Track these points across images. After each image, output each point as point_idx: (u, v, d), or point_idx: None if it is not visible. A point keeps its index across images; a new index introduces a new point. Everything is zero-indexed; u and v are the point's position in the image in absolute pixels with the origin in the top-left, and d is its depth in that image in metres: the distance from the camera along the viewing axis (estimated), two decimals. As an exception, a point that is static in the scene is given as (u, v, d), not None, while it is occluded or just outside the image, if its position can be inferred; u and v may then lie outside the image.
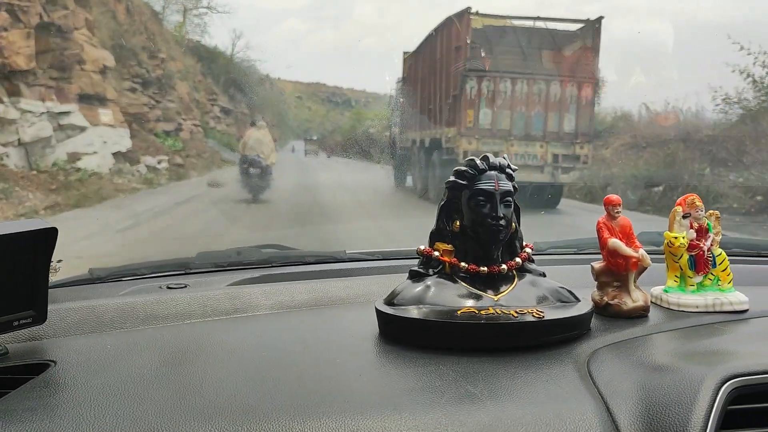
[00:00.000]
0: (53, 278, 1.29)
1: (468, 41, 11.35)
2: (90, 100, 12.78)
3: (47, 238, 0.95)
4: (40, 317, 0.99)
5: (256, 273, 1.44)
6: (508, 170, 1.02)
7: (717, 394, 0.76)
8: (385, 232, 6.75)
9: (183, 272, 1.47)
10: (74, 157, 11.69)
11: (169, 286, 1.30)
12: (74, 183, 10.85)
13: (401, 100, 15.60)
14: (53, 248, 0.96)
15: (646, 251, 1.11)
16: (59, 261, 1.03)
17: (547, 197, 10.81)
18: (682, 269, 1.15)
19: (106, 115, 12.91)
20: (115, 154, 12.82)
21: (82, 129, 12.18)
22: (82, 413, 0.75)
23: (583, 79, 11.56)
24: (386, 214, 10.01)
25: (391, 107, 17.09)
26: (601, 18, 11.49)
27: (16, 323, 0.96)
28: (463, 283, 1.00)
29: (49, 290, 1.00)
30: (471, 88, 11.29)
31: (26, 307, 0.97)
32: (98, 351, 0.97)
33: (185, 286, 1.30)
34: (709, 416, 0.73)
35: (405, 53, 15.51)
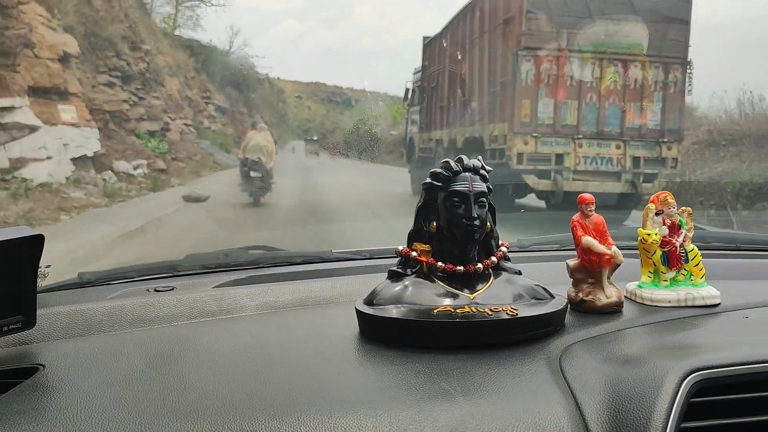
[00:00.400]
0: (42, 283, 1.31)
1: (524, 10, 8.66)
2: (47, 93, 10.72)
3: (34, 245, 0.98)
4: (29, 322, 1.01)
5: (243, 274, 1.47)
6: (482, 171, 1.05)
7: (680, 387, 0.79)
8: (391, 230, 6.56)
9: (171, 275, 1.49)
10: (18, 163, 9.55)
11: (157, 288, 1.33)
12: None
13: (424, 93, 12.77)
14: (40, 254, 0.99)
15: (627, 246, 1.14)
16: (48, 266, 1.06)
17: (618, 204, 8.64)
18: (655, 265, 1.18)
19: (67, 111, 10.92)
20: (79, 159, 10.79)
21: (33, 129, 10.06)
22: (69, 416, 0.78)
23: (671, 59, 8.93)
24: (389, 215, 9.08)
25: (407, 103, 14.33)
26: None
27: (5, 328, 0.98)
28: (441, 283, 1.03)
29: (39, 295, 1.02)
30: (527, 71, 8.73)
31: (15, 313, 0.99)
32: (86, 354, 1.00)
33: (172, 289, 1.32)
34: (672, 409, 0.76)
35: (425, 38, 12.90)
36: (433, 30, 12.52)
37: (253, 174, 11.15)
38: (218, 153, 18.45)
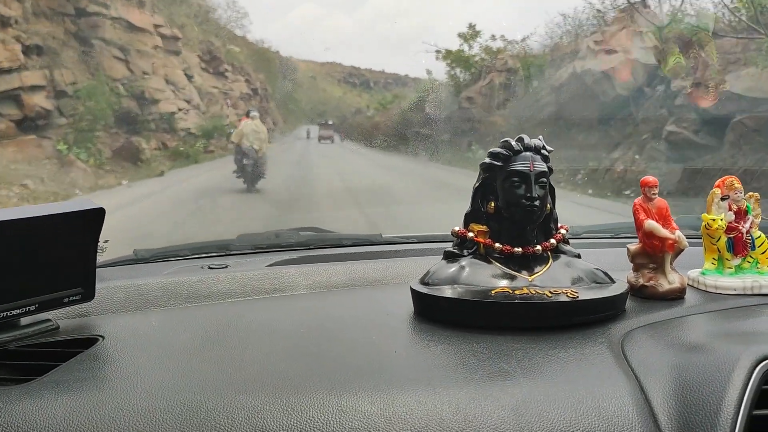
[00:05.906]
0: (100, 258, 1.34)
1: None
2: None
3: (95, 218, 1.00)
4: (89, 294, 1.03)
5: (295, 254, 1.48)
6: (543, 151, 1.02)
7: (752, 373, 0.76)
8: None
9: (223, 254, 1.51)
10: None
11: (211, 266, 1.34)
12: None
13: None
14: (101, 228, 1.00)
15: (688, 235, 1.11)
16: (106, 241, 1.07)
17: None
18: (719, 252, 1.14)
19: None
20: None
21: None
22: (130, 385, 0.78)
23: None
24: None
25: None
26: None
27: (66, 300, 1.00)
28: (498, 264, 1.01)
29: (97, 269, 1.04)
30: None
31: (75, 285, 1.01)
32: (144, 327, 1.01)
33: (226, 267, 1.34)
34: (743, 395, 0.73)
35: None
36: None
37: (245, 161, 11.28)
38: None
